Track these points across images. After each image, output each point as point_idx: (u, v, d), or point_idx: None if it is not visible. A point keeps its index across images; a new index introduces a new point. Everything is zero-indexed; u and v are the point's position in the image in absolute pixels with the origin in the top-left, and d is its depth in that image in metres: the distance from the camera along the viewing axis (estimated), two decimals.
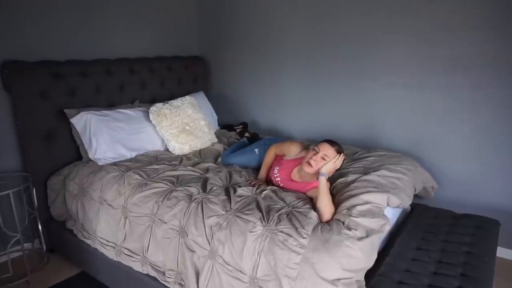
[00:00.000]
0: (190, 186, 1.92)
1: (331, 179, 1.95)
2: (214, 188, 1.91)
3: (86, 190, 2.16)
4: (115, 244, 1.99)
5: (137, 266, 1.87)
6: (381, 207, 1.71)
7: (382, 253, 1.71)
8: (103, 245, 2.02)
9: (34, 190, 2.30)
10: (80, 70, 2.53)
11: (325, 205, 1.64)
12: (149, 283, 1.83)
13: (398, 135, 2.65)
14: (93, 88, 2.61)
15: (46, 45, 2.48)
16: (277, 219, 1.57)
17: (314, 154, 1.83)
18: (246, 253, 1.50)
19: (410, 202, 2.02)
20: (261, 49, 3.25)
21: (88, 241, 2.12)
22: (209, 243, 1.62)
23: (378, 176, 1.98)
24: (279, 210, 1.65)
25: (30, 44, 2.40)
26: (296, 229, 1.50)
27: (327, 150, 1.82)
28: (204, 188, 1.92)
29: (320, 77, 2.95)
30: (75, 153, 2.49)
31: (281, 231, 1.50)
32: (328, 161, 1.76)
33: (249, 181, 2.10)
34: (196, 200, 1.79)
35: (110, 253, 1.99)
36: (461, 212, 2.19)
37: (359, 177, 1.98)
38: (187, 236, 1.69)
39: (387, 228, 1.61)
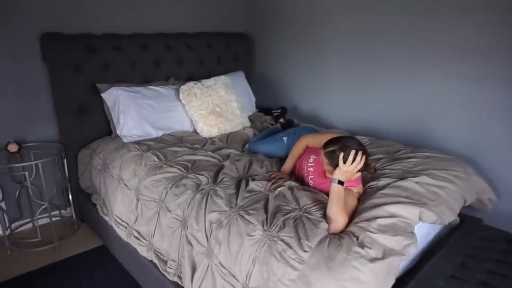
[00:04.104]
0: (201, 175, 1.80)
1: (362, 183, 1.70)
2: (226, 179, 1.77)
3: (108, 167, 2.16)
4: (127, 224, 1.96)
5: (142, 251, 1.83)
6: (410, 223, 1.43)
7: (406, 277, 1.45)
8: (117, 224, 2.01)
9: (65, 160, 2.37)
10: (115, 44, 2.49)
11: (331, 215, 1.41)
12: (152, 270, 1.77)
13: (453, 134, 2.24)
14: (127, 63, 2.57)
15: (83, 18, 2.46)
16: (281, 224, 1.39)
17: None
18: (241, 258, 1.35)
19: (454, 218, 1.69)
20: (307, 30, 2.95)
21: (106, 218, 2.13)
22: (207, 240, 1.50)
23: (416, 183, 1.68)
24: (288, 213, 1.46)
25: (69, 16, 2.40)
26: (299, 239, 1.30)
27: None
28: (215, 178, 1.79)
29: (367, 63, 2.60)
30: (106, 127, 2.51)
31: (282, 240, 1.32)
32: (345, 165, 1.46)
33: (270, 173, 1.92)
34: (203, 191, 1.67)
35: (122, 233, 1.98)
36: None
37: (393, 182, 1.70)
38: (187, 229, 1.58)
39: (413, 251, 1.34)
